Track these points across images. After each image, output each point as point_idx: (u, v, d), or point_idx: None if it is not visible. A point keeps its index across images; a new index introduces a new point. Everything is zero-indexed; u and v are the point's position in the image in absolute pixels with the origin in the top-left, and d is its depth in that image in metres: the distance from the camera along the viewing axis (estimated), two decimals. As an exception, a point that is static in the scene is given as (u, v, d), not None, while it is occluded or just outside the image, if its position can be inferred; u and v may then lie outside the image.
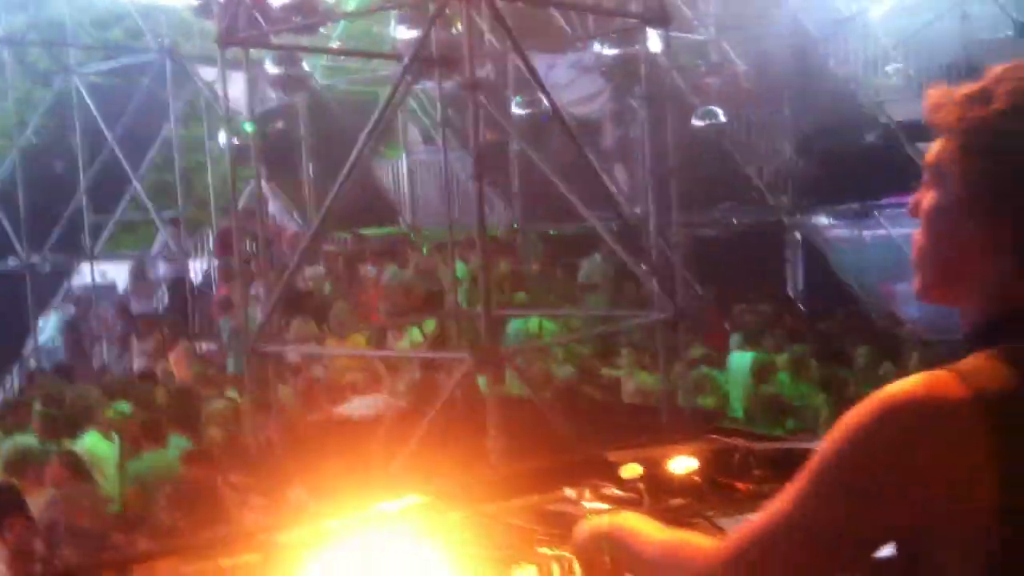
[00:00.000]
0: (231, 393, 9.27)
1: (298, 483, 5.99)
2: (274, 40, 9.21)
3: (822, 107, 12.08)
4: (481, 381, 6.68)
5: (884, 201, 12.36)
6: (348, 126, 12.91)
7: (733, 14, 13.40)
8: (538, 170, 9.09)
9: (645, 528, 1.55)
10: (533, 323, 10.56)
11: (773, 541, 1.25)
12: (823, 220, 13.59)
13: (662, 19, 7.37)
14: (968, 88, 1.33)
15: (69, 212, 14.92)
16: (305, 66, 12.02)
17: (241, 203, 12.40)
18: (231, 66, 8.76)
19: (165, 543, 2.29)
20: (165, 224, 14.90)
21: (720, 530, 2.09)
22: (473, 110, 5.90)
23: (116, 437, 7.91)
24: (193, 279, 14.97)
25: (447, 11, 6.60)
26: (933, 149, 1.36)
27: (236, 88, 9.86)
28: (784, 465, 2.18)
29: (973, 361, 1.24)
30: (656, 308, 7.74)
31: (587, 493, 2.31)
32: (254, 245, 10.85)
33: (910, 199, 1.40)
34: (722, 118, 12.28)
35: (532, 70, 6.85)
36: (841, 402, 7.01)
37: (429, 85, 11.57)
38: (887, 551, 1.26)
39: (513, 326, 10.34)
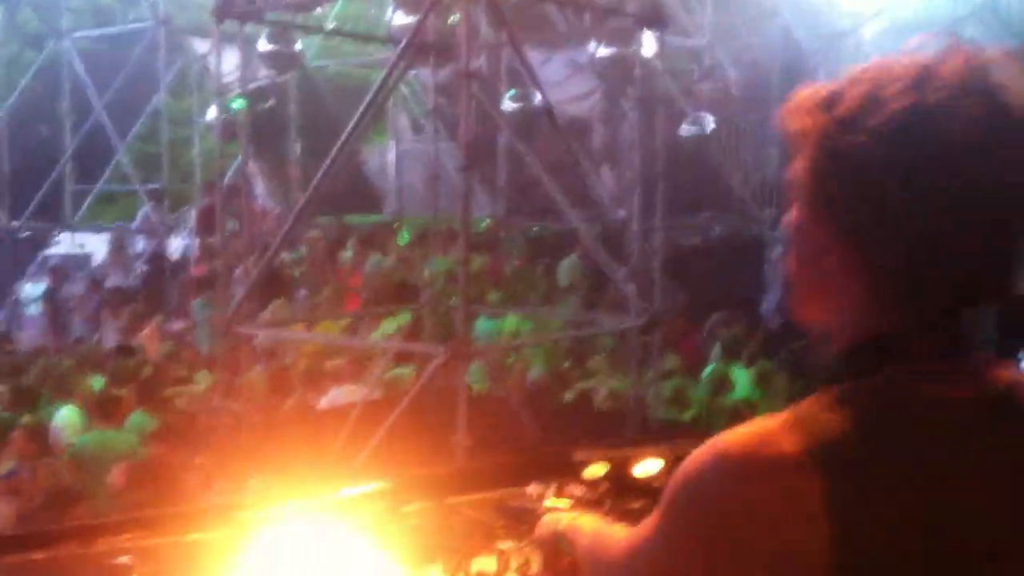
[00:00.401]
0: (201, 374, 9.23)
1: (261, 467, 5.96)
2: (270, 17, 9.16)
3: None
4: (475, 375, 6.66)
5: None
6: (338, 109, 12.89)
7: (728, 22, 13.44)
8: (525, 166, 9.09)
9: (598, 524, 1.55)
10: (508, 323, 10.55)
11: (645, 562, 1.27)
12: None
13: (658, 21, 7.38)
14: (821, 90, 1.22)
15: (52, 179, 14.81)
16: (298, 45, 11.95)
17: (226, 181, 12.34)
18: (225, 40, 8.72)
19: (129, 516, 2.27)
20: (147, 197, 14.80)
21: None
22: (466, 100, 5.88)
23: (82, 411, 7.86)
24: (172, 255, 14.87)
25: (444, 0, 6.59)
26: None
27: (229, 63, 9.82)
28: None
29: (813, 403, 1.16)
30: (632, 313, 7.74)
31: (551, 491, 2.30)
32: (237, 224, 10.77)
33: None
34: (712, 125, 12.30)
35: (528, 64, 6.84)
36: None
37: (421, 73, 11.57)
38: None
39: (484, 326, 10.32)
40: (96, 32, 15.55)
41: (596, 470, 2.37)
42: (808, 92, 1.22)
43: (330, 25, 13.90)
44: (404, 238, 14.04)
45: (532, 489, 2.31)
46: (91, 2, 17.15)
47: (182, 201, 16.06)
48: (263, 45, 11.62)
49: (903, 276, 1.16)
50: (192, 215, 15.21)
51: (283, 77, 13.73)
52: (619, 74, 9.98)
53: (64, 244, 16.03)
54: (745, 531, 1.12)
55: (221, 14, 7.17)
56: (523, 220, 14.95)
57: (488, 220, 15.07)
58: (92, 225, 16.46)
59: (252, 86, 12.32)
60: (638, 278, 7.67)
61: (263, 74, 13.12)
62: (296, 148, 14.98)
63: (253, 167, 15.08)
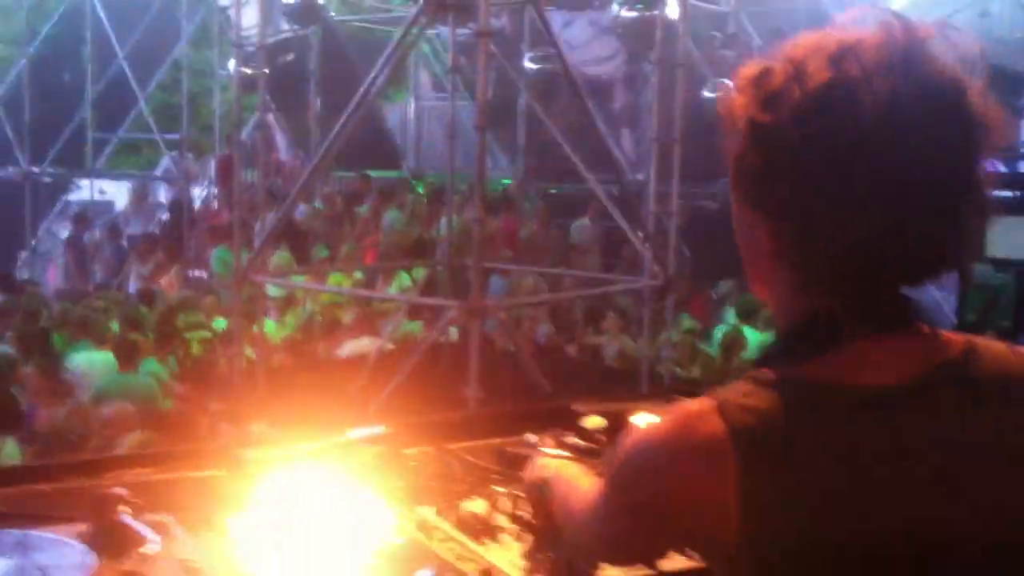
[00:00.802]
0: (218, 321, 9.31)
1: (267, 413, 6.05)
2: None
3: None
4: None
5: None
6: (360, 63, 12.86)
7: (754, -13, 13.33)
8: (545, 127, 9.07)
9: (577, 475, 1.59)
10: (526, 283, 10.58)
11: (598, 524, 1.33)
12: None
13: (680, -16, 7.34)
14: (756, 67, 1.19)
15: (73, 126, 14.86)
16: (319, -1, 11.91)
17: (246, 133, 12.37)
18: (247, -8, 8.72)
19: (136, 453, 2.34)
20: (169, 147, 14.86)
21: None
22: (484, 59, 5.88)
23: (105, 354, 7.97)
24: (193, 204, 14.95)
25: (466, -43, 6.56)
26: None
27: (251, 17, 9.82)
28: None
29: (741, 386, 1.17)
30: (646, 275, 7.77)
31: (548, 440, 2.35)
32: (257, 175, 10.82)
33: None
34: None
35: (546, 24, 6.82)
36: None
37: (443, 30, 11.54)
38: None
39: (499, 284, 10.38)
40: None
41: (594, 421, 2.41)
42: (746, 70, 1.21)
43: (353, -21, 13.84)
44: (421, 194, 14.06)
45: (530, 437, 2.37)
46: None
47: (203, 152, 16.11)
48: (285, -3, 11.60)
49: (827, 254, 1.15)
50: (212, 165, 15.29)
51: (305, 31, 13.70)
52: (641, 37, 9.93)
53: (85, 191, 16.14)
54: (671, 508, 1.17)
55: (242, -35, 7.17)
56: (542, 181, 14.93)
57: (507, 180, 15.07)
58: (113, 172, 16.54)
59: (273, 39, 12.32)
60: (653, 241, 7.68)
61: (285, 27, 13.09)
62: (316, 102, 14.97)
63: (274, 120, 15.11)
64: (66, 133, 14.66)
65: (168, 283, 12.02)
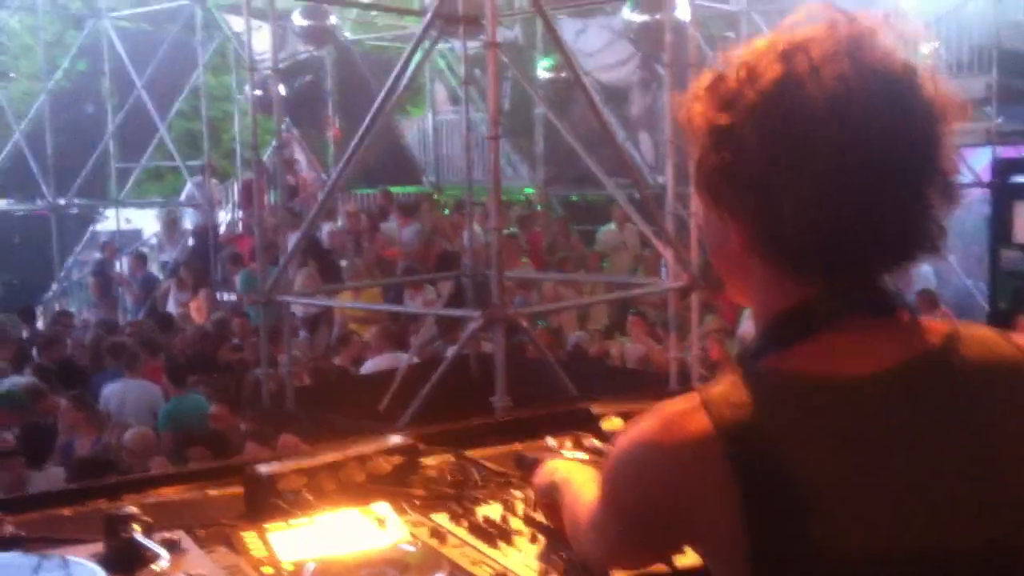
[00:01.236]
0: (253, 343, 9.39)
1: (295, 430, 6.09)
2: (302, -9, 9.22)
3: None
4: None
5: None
6: (375, 82, 12.93)
7: (765, -14, 13.27)
8: (563, 134, 9.09)
9: (584, 481, 1.59)
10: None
11: (599, 534, 1.33)
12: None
13: (688, -15, 7.33)
14: (710, 74, 1.23)
15: (96, 157, 15.03)
16: (333, 19, 12.01)
17: (267, 155, 12.47)
18: (258, 16, 8.79)
19: (154, 475, 2.35)
20: (191, 173, 15.01)
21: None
22: (493, 70, 5.90)
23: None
24: (219, 229, 15.09)
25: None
26: None
27: (266, 40, 9.90)
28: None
29: (725, 381, 1.18)
30: (670, 276, 7.77)
31: (568, 443, 2.34)
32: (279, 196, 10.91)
33: None
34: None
35: (554, 32, 6.83)
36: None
37: (457, 44, 11.58)
38: None
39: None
40: (134, 11, 15.70)
41: (614, 423, 2.40)
42: (701, 78, 1.23)
43: (364, -2, 13.92)
44: (443, 208, 14.11)
45: (550, 442, 2.36)
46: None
47: (225, 176, 16.25)
48: (298, 20, 11.71)
49: (794, 248, 1.16)
50: (236, 189, 15.42)
51: (319, 51, 13.81)
52: (653, 40, 9.93)
53: (111, 220, 16.32)
54: (664, 508, 1.17)
55: (251, -11, 7.23)
56: (562, 188, 14.94)
57: (528, 189, 15.10)
58: (137, 201, 16.72)
59: (289, 61, 12.42)
60: (675, 242, 7.67)
61: (300, 49, 13.20)
62: (335, 121, 15.08)
63: (294, 141, 15.23)
64: (90, 164, 14.83)
65: (197, 307, 12.13)
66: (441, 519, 1.88)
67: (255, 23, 8.79)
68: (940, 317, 1.27)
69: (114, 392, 8.12)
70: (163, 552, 1.51)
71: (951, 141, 1.18)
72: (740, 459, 1.11)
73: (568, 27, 12.78)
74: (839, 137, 1.12)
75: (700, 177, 1.23)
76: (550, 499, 1.72)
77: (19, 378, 8.47)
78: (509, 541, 1.77)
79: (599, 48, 13.88)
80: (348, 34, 15.20)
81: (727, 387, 1.17)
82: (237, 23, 13.41)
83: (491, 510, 1.89)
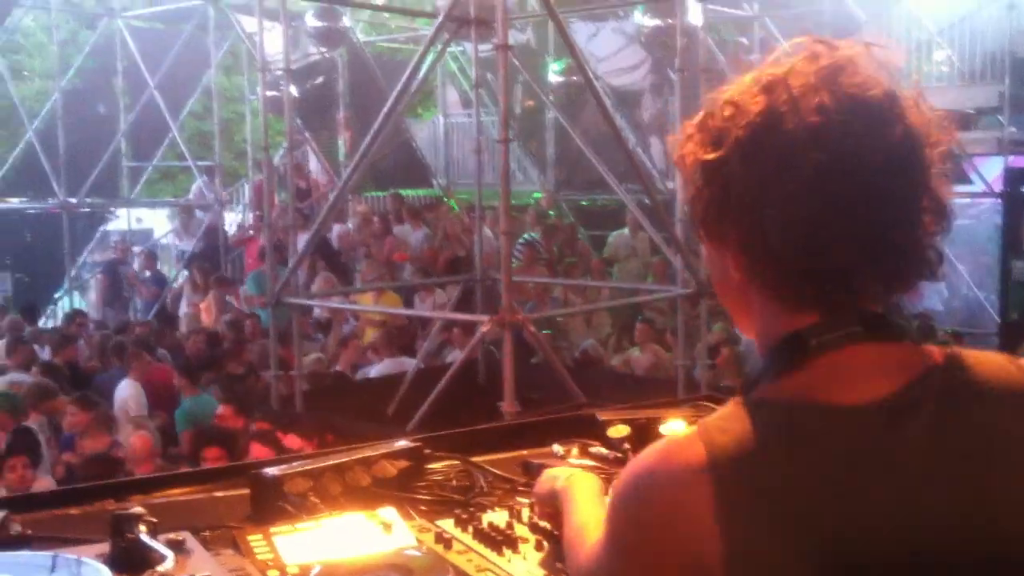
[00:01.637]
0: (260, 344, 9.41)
1: (302, 432, 6.10)
2: (314, -7, 9.23)
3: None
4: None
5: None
6: (387, 84, 12.95)
7: (778, -9, 13.27)
8: (574, 138, 9.09)
9: (584, 497, 1.59)
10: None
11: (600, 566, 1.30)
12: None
13: (697, -10, 7.33)
14: (699, 113, 1.26)
15: (108, 156, 15.08)
16: (346, 21, 12.03)
17: (278, 157, 12.49)
18: (271, 17, 8.81)
19: (160, 475, 2.36)
20: (201, 172, 15.05)
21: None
22: (504, 73, 5.91)
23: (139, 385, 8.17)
24: (227, 229, 15.13)
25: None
26: None
27: (277, 41, 9.92)
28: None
29: (725, 410, 1.19)
30: (680, 283, 7.76)
31: (574, 450, 2.34)
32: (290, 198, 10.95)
33: None
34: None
35: (566, 35, 6.83)
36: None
37: (469, 47, 11.60)
38: None
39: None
40: (147, 11, 15.75)
41: (620, 430, 2.40)
42: (691, 119, 1.27)
43: (378, 0, 13.95)
44: (453, 211, 14.12)
45: (556, 448, 2.36)
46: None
47: (236, 177, 16.29)
48: (311, 21, 11.73)
49: (786, 276, 1.18)
50: (246, 190, 15.47)
51: (332, 53, 13.83)
52: (665, 45, 9.93)
53: (122, 220, 16.36)
54: (659, 539, 1.16)
55: (263, -10, 7.24)
56: (573, 193, 14.94)
57: (537, 193, 15.09)
58: (148, 200, 16.76)
59: (301, 63, 12.44)
60: (685, 249, 7.67)
61: (312, 51, 13.22)
62: (344, 122, 15.10)
63: (306, 142, 15.26)
64: (101, 163, 14.87)
65: (206, 307, 12.16)
66: (447, 525, 1.88)
67: (268, 24, 8.80)
68: (943, 341, 1.27)
69: (124, 392, 8.17)
70: (169, 553, 1.51)
71: (940, 164, 1.20)
72: (726, 488, 1.11)
73: (580, 31, 12.80)
74: (822, 165, 1.14)
75: (695, 212, 1.26)
76: (552, 507, 1.72)
77: (16, 376, 8.49)
78: (515, 548, 1.77)
79: (611, 52, 13.90)
80: (360, 36, 15.23)
81: (724, 415, 1.18)
82: (250, 23, 13.43)
83: (497, 516, 1.89)
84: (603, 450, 2.33)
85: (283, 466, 2.08)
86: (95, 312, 13.89)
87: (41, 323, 13.32)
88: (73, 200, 14.52)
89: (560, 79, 12.46)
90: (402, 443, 2.29)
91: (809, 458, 1.13)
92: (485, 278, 8.64)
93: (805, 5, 12.95)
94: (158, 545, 1.54)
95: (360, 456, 2.16)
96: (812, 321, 1.19)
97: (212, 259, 13.87)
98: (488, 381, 7.78)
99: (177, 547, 1.57)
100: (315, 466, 2.08)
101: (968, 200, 10.78)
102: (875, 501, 1.12)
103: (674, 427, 2.45)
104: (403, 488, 2.09)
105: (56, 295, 15.10)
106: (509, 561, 1.73)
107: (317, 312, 10.54)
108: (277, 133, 11.45)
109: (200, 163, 15.24)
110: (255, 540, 1.72)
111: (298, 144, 13.30)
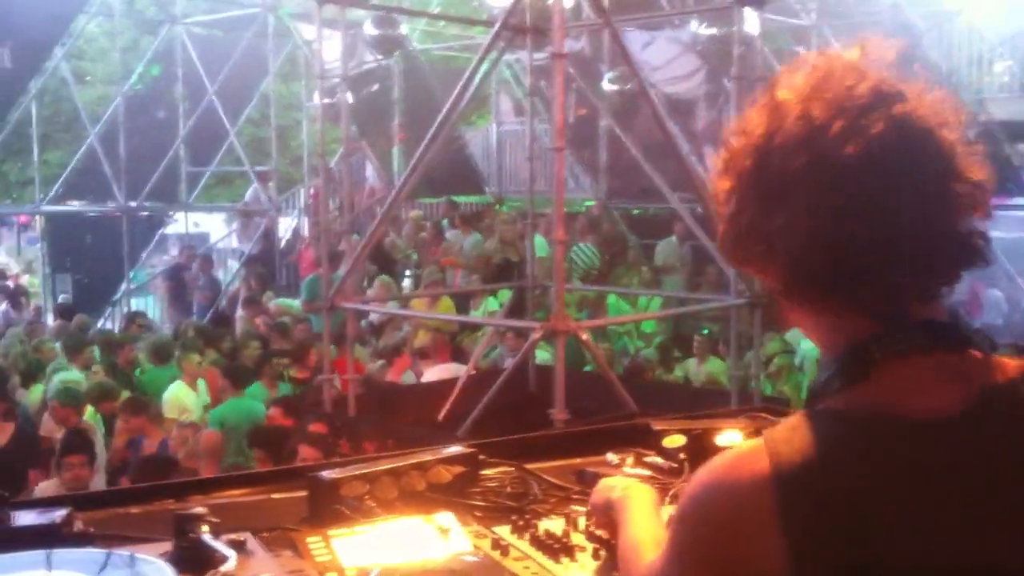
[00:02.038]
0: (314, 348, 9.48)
1: (356, 436, 6.13)
2: (372, 1, 9.30)
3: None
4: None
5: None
6: (442, 92, 13.01)
7: (836, 1, 13.15)
8: (627, 147, 9.07)
9: (640, 510, 1.59)
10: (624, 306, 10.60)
11: None
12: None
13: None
14: (739, 139, 1.27)
15: (167, 161, 15.32)
16: (403, 29, 12.10)
17: (334, 163, 12.60)
18: (330, 25, 8.89)
19: (219, 476, 2.39)
20: (256, 178, 15.23)
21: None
22: (559, 81, 5.90)
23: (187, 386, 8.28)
24: (283, 235, 15.29)
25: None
26: None
27: (336, 49, 10.02)
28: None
29: (790, 422, 1.19)
30: (733, 293, 7.69)
31: (629, 459, 2.33)
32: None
33: None
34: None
35: (621, 44, 6.82)
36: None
37: (523, 55, 11.63)
38: None
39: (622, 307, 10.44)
40: (208, 18, 15.98)
41: (676, 440, 2.38)
42: (730, 144, 1.28)
43: (434, 9, 14.04)
44: (505, 218, 14.13)
45: (611, 457, 2.35)
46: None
47: (291, 183, 16.45)
48: (369, 29, 11.82)
49: (825, 290, 1.19)
50: (301, 196, 15.62)
51: (388, 60, 13.92)
52: (721, 53, 9.87)
53: (180, 224, 16.60)
54: (723, 550, 1.17)
55: (322, -1, 7.30)
56: (625, 201, 14.90)
57: (589, 201, 15.07)
58: (206, 205, 16.99)
59: (357, 70, 12.54)
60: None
61: (368, 59, 13.32)
62: (399, 129, 15.20)
63: (362, 149, 15.38)
64: (161, 168, 15.11)
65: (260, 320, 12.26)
66: (503, 531, 1.88)
67: (326, 32, 8.89)
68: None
69: (172, 394, 8.29)
70: (231, 553, 1.53)
71: (963, 147, 1.19)
72: (790, 501, 1.11)
73: (635, 39, 12.75)
74: (861, 179, 1.15)
75: (723, 244, 1.29)
76: (607, 517, 1.72)
77: (67, 373, 8.65)
78: (572, 556, 1.77)
79: (666, 61, 13.84)
80: (416, 43, 15.32)
81: (789, 426, 1.18)
82: (308, 31, 13.58)
83: (553, 524, 1.89)
84: (658, 460, 2.32)
85: (340, 469, 2.10)
86: (161, 316, 14.10)
87: (99, 324, 13.55)
88: (133, 204, 14.76)
89: (614, 87, 12.42)
90: (457, 449, 2.30)
91: (877, 471, 1.13)
92: (536, 285, 8.63)
93: (863, 15, 12.82)
94: (220, 545, 1.55)
95: (416, 460, 2.17)
96: (874, 331, 1.18)
97: (268, 263, 14.02)
98: (539, 388, 7.76)
99: (239, 547, 1.58)
100: (371, 470, 2.09)
101: (1027, 212, 10.64)
102: (943, 515, 1.11)
103: (731, 438, 2.44)
104: (458, 494, 2.10)
105: (114, 297, 15.34)
106: (566, 569, 1.73)
107: (370, 316, 10.60)
108: (332, 140, 11.54)
109: (257, 169, 15.42)
110: (313, 542, 1.74)
111: (354, 151, 13.40)
